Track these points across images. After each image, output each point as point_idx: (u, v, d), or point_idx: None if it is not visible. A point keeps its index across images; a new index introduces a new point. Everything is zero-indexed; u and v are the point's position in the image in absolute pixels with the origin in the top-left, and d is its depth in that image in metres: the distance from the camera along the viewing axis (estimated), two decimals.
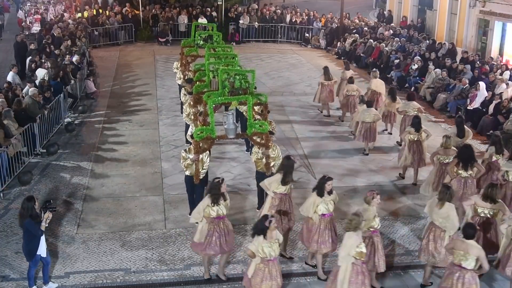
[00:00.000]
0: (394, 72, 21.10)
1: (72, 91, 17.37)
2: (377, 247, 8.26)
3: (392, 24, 27.99)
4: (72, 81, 17.44)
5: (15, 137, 12.25)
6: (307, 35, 28.85)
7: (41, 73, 16.59)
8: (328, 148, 14.49)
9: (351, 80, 16.28)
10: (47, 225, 8.13)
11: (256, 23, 28.96)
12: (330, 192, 8.69)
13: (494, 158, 10.98)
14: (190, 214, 9.77)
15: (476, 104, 16.41)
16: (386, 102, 15.17)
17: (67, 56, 18.55)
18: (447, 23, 24.99)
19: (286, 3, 36.50)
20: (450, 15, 24.79)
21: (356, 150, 14.29)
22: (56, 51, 19.36)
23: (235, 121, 10.42)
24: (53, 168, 12.91)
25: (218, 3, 29.65)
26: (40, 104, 14.04)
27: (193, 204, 10.11)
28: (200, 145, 9.82)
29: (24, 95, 14.30)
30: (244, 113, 12.45)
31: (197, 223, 8.65)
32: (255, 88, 11.79)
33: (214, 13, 29.24)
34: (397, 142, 14.63)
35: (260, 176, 10.24)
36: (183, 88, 14.58)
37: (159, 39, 27.80)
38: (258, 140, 10.27)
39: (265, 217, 7.60)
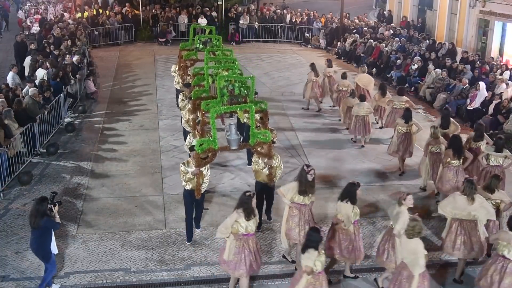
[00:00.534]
0: (394, 72, 21.11)
1: (72, 91, 17.37)
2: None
3: (392, 24, 27.99)
4: (72, 81, 17.45)
5: (14, 137, 12.24)
6: (307, 35, 28.86)
7: (41, 73, 16.59)
8: (328, 147, 14.49)
9: (344, 76, 16.66)
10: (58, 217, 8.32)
11: (256, 23, 28.97)
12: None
13: (475, 146, 11.56)
14: (188, 241, 9.75)
15: (476, 104, 16.43)
16: (376, 97, 15.55)
17: (67, 56, 18.55)
18: (447, 23, 24.99)
19: (286, 3, 36.50)
20: (450, 15, 24.78)
21: (358, 149, 14.33)
22: (56, 52, 19.34)
23: (237, 131, 9.71)
24: (53, 168, 12.91)
25: (218, 3, 29.67)
26: (40, 104, 14.04)
27: (191, 224, 9.83)
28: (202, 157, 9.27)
29: (24, 95, 14.30)
30: (246, 120, 11.62)
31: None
32: (256, 93, 11.40)
33: (214, 13, 29.26)
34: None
35: (261, 187, 9.88)
36: (180, 94, 13.91)
37: (159, 39, 27.81)
38: (260, 149, 9.72)
39: (317, 229, 7.24)
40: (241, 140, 9.86)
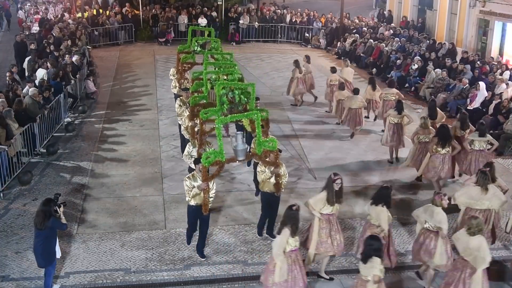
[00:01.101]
0: (394, 72, 21.11)
1: (72, 91, 17.37)
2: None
3: (392, 24, 28.00)
4: (72, 81, 17.44)
5: (14, 137, 12.24)
6: (307, 35, 28.86)
7: (41, 73, 16.58)
8: (328, 147, 14.50)
9: (333, 70, 17.30)
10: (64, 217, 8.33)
11: (256, 23, 28.98)
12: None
13: (460, 134, 12.16)
14: (200, 254, 9.24)
15: (476, 104, 16.42)
16: (367, 90, 16.01)
17: (67, 56, 18.56)
18: (447, 23, 25.00)
19: (286, 3, 36.52)
20: (450, 15, 24.79)
21: (360, 149, 14.33)
22: (56, 53, 19.34)
23: (244, 141, 9.15)
24: (53, 168, 12.91)
25: (218, 3, 29.70)
26: (40, 104, 14.04)
27: (191, 238, 9.54)
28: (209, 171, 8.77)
29: (24, 95, 14.30)
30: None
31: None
32: (258, 99, 10.97)
33: (214, 13, 29.27)
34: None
35: (268, 197, 9.55)
36: (178, 99, 13.29)
37: (159, 39, 27.81)
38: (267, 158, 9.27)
39: (377, 237, 7.26)
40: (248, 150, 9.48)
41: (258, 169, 9.53)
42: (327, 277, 8.85)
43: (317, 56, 25.92)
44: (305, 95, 18.17)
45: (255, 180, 10.92)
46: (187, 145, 10.82)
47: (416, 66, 20.14)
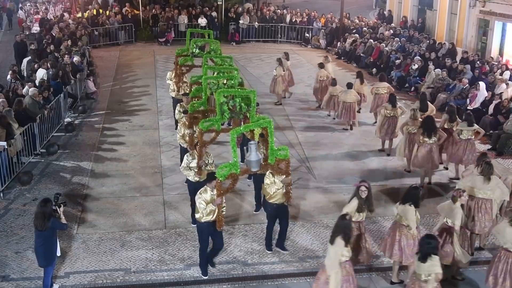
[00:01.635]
0: (394, 72, 21.11)
1: (72, 91, 17.37)
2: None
3: (392, 24, 27.99)
4: (72, 81, 17.44)
5: (15, 137, 12.24)
6: (307, 35, 28.86)
7: (41, 73, 16.58)
8: (328, 146, 14.50)
9: (321, 66, 17.56)
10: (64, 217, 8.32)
11: (256, 23, 28.97)
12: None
13: (448, 126, 12.60)
14: (204, 275, 8.78)
15: (476, 104, 16.42)
16: (355, 84, 16.35)
17: (67, 56, 18.55)
18: (447, 23, 25.00)
19: (286, 3, 36.53)
20: (450, 15, 24.79)
21: (365, 150, 14.36)
22: (56, 53, 19.34)
23: (258, 152, 8.70)
24: (53, 168, 12.91)
25: (218, 3, 29.69)
26: (40, 104, 14.04)
27: (207, 259, 8.87)
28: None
29: (24, 95, 14.29)
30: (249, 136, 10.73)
31: None
32: (258, 105, 10.45)
33: (214, 13, 29.27)
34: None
35: (277, 209, 9.09)
36: (178, 105, 12.91)
37: (159, 39, 27.81)
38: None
39: (432, 236, 7.39)
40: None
41: (267, 181, 8.98)
42: None
43: (317, 56, 25.88)
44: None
45: (257, 196, 10.67)
46: (185, 156, 10.04)
47: (416, 66, 20.14)
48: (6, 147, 11.58)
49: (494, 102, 15.69)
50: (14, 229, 10.13)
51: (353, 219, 8.26)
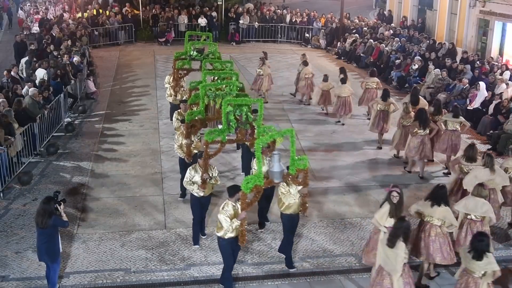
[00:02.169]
0: (394, 72, 21.11)
1: (72, 91, 17.37)
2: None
3: (392, 24, 27.99)
4: (72, 81, 17.44)
5: (15, 137, 12.23)
6: (307, 35, 28.85)
7: (41, 73, 16.59)
8: (328, 146, 14.51)
9: (306, 63, 18.08)
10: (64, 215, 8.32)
11: (256, 23, 28.96)
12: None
13: (435, 118, 13.07)
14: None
15: (476, 104, 16.42)
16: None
17: (67, 56, 18.55)
18: (447, 23, 24.98)
19: (286, 3, 36.51)
20: (450, 15, 24.78)
21: (361, 146, 14.39)
22: (55, 52, 19.34)
23: (281, 163, 8.25)
24: (53, 168, 12.91)
25: (218, 3, 29.68)
26: (40, 104, 14.04)
27: (231, 278, 8.45)
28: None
29: (24, 95, 14.29)
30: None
31: None
32: (256, 111, 9.81)
33: (214, 13, 29.26)
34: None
35: (292, 219, 8.88)
36: (175, 112, 12.44)
37: (159, 39, 27.81)
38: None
39: (485, 233, 7.58)
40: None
41: (282, 190, 8.69)
42: None
43: (317, 56, 25.91)
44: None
45: (262, 213, 10.30)
46: (188, 171, 9.48)
47: (416, 66, 20.13)
48: (5, 150, 11.58)
49: (494, 102, 15.69)
50: (14, 229, 10.14)
51: (386, 224, 8.21)
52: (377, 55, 23.14)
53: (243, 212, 7.88)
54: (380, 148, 14.39)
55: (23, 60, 18.39)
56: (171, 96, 14.67)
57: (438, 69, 19.10)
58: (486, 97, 16.28)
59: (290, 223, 8.96)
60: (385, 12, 30.62)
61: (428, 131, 12.44)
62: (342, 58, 25.53)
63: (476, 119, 15.94)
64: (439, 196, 8.47)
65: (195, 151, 10.68)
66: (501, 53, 21.22)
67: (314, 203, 11.32)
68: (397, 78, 20.67)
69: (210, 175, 9.43)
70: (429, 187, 11.01)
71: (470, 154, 10.57)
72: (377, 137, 14.66)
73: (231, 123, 9.11)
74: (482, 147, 14.44)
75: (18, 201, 11.22)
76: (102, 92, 19.38)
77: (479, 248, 7.13)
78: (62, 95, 15.60)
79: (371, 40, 24.35)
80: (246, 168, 11.58)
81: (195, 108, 11.15)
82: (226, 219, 7.91)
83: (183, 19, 28.53)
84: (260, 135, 8.90)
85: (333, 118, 16.65)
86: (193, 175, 9.35)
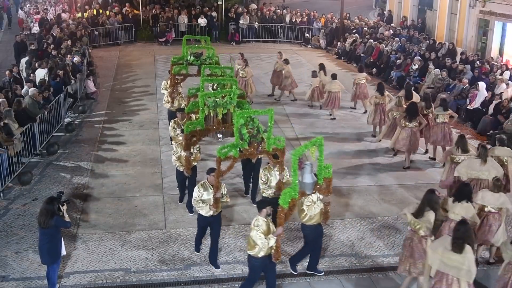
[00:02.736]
0: (394, 72, 21.11)
1: (72, 91, 17.37)
2: None
3: (392, 24, 27.99)
4: (72, 81, 17.45)
5: (15, 137, 12.24)
6: (307, 35, 28.86)
7: (41, 73, 16.59)
8: (328, 146, 14.48)
9: (287, 62, 18.61)
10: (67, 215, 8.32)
11: (256, 23, 28.97)
12: None
13: (425, 112, 13.69)
14: None
15: (476, 104, 16.42)
16: (320, 75, 17.72)
17: (67, 56, 18.54)
18: (447, 23, 24.99)
19: (286, 3, 36.51)
20: (450, 15, 24.79)
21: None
22: (54, 52, 19.33)
23: (312, 174, 7.79)
24: (53, 168, 12.91)
25: (218, 3, 29.68)
26: (40, 104, 14.04)
27: None
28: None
29: (24, 95, 14.30)
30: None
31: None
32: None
33: (214, 13, 29.27)
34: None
35: (316, 230, 8.61)
36: (172, 121, 11.87)
37: (159, 39, 27.81)
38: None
39: None
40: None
41: (307, 203, 8.38)
42: None
43: (317, 56, 25.91)
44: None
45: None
46: (196, 189, 8.91)
47: (416, 66, 20.13)
48: (5, 151, 11.58)
49: (494, 102, 15.70)
50: (14, 229, 10.13)
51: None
52: (377, 55, 23.14)
53: (279, 228, 7.46)
54: (374, 136, 15.18)
55: (23, 60, 18.39)
56: (168, 102, 14.01)
57: (438, 69, 19.10)
58: (486, 97, 16.28)
59: (314, 234, 8.64)
60: (385, 12, 30.63)
61: (416, 124, 12.96)
62: (342, 58, 25.53)
63: (476, 119, 15.94)
64: (462, 193, 8.76)
65: (194, 163, 10.54)
66: (501, 53, 21.23)
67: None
68: (397, 78, 20.67)
69: (221, 193, 8.85)
70: (429, 187, 11.07)
71: (462, 145, 10.94)
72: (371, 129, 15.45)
73: (244, 137, 8.57)
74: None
75: (18, 201, 11.22)
76: (102, 92, 19.39)
77: None
78: (62, 95, 15.60)
79: (371, 40, 24.36)
80: (247, 173, 11.45)
81: (193, 117, 10.81)
82: (260, 235, 7.48)
83: (183, 19, 28.54)
84: (270, 147, 8.68)
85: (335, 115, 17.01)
86: (202, 193, 8.79)
